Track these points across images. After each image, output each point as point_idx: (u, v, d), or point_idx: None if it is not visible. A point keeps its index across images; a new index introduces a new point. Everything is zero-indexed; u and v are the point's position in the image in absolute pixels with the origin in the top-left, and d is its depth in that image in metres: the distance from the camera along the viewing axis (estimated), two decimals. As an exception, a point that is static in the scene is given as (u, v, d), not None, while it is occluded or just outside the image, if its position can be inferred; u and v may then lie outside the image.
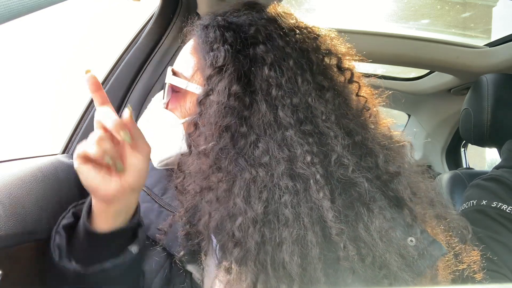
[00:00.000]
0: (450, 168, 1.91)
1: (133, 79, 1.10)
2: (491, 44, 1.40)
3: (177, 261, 0.61)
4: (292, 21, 0.61)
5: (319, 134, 0.53)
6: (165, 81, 0.64)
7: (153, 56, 1.12)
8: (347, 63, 0.61)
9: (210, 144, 0.53)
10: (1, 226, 0.57)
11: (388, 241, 0.48)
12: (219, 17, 0.60)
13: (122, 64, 1.08)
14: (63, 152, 0.96)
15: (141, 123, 0.69)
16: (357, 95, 0.60)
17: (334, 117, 0.54)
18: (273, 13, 0.62)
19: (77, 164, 0.49)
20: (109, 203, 0.52)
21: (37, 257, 0.64)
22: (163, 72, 1.13)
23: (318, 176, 0.49)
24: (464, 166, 1.94)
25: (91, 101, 1.02)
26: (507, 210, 0.84)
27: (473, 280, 0.58)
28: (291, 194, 0.48)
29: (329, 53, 0.60)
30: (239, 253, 0.48)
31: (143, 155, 0.52)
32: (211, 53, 0.56)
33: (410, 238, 0.50)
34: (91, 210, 0.54)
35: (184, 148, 0.57)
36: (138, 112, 1.08)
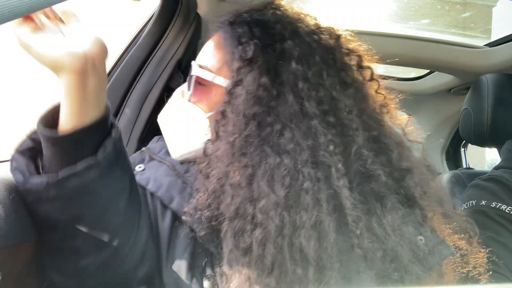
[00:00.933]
0: (450, 168, 1.91)
1: (133, 79, 1.09)
2: (491, 44, 1.39)
3: (199, 240, 0.56)
4: (313, 21, 0.64)
5: (341, 125, 0.55)
6: (191, 74, 0.64)
7: (153, 56, 1.12)
8: (366, 62, 0.64)
9: (236, 131, 0.54)
10: (1, 226, 0.57)
11: (400, 236, 0.50)
12: (244, 14, 0.63)
13: (122, 64, 1.08)
14: (63, 152, 0.96)
15: (163, 117, 0.69)
16: (376, 92, 0.63)
17: (356, 111, 0.56)
18: (295, 12, 0.65)
19: (22, 38, 0.44)
20: (81, 74, 0.44)
21: (37, 257, 0.64)
22: (163, 72, 1.13)
23: (339, 165, 0.52)
24: (464, 166, 1.94)
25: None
26: (506, 211, 0.84)
27: (477, 282, 0.58)
28: (312, 180, 0.50)
29: (350, 52, 0.63)
30: (258, 235, 0.49)
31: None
32: (240, 47, 0.58)
33: (420, 237, 0.51)
34: (58, 114, 0.47)
35: (209, 136, 0.59)
36: (138, 112, 1.08)
